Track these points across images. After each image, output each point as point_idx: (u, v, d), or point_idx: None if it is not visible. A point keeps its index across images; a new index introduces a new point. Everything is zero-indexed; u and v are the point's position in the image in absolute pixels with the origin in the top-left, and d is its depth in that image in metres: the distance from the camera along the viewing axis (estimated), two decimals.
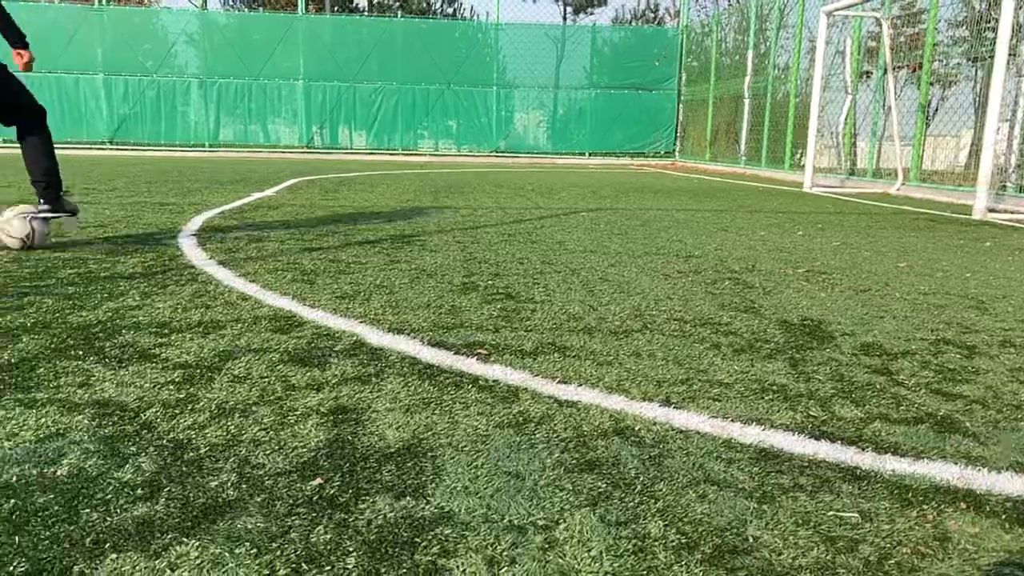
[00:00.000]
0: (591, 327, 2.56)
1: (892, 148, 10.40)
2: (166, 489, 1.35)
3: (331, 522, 1.26)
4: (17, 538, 1.18)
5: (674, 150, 19.85)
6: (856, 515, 1.33)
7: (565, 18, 33.57)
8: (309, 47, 18.40)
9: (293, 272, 3.38)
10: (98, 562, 1.13)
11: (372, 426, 1.66)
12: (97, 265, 3.44)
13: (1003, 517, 1.34)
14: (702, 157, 17.84)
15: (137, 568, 1.11)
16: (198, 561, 1.13)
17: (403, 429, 1.65)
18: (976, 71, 11.20)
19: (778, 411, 1.82)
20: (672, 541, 1.23)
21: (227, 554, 1.15)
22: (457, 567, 1.14)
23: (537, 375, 2.04)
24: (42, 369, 1.98)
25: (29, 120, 3.94)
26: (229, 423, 1.66)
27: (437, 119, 19.28)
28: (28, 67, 3.97)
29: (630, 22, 32.16)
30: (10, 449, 1.50)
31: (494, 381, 1.98)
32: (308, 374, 1.99)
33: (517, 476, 1.44)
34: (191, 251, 3.89)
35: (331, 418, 1.70)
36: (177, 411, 1.72)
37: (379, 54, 18.62)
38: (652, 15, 32.40)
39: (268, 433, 1.61)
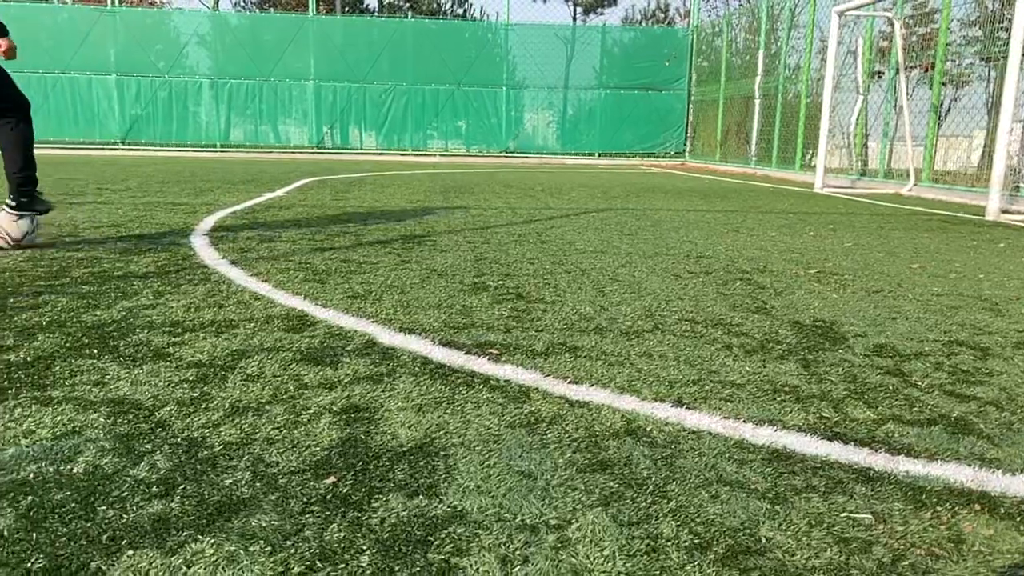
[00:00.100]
0: (602, 327, 2.56)
1: (904, 148, 10.35)
2: (181, 487, 1.36)
3: (344, 520, 1.26)
4: (35, 534, 1.19)
5: (684, 150, 19.81)
6: (869, 516, 1.33)
7: (575, 18, 33.56)
8: (320, 48, 18.46)
9: (305, 272, 3.39)
10: (115, 559, 1.14)
11: (384, 425, 1.67)
12: (111, 264, 3.46)
13: (1018, 519, 1.33)
14: (712, 157, 17.80)
15: (153, 565, 1.12)
16: (213, 558, 1.14)
17: (415, 428, 1.66)
18: (989, 71, 11.13)
19: (790, 412, 1.82)
20: (685, 541, 1.23)
21: (242, 551, 1.16)
22: (470, 566, 1.14)
23: (548, 375, 2.04)
24: (58, 367, 1.99)
25: (12, 111, 3.85)
26: (243, 422, 1.67)
27: (447, 119, 19.30)
28: (7, 54, 3.85)
29: (640, 22, 32.12)
30: (27, 446, 1.51)
31: (505, 381, 1.98)
32: (320, 373, 2.00)
33: (529, 476, 1.45)
34: (204, 251, 3.91)
35: (344, 417, 1.71)
36: (191, 409, 1.73)
37: (389, 55, 18.67)
38: (662, 15, 32.35)
39: (281, 432, 1.62)
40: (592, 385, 1.97)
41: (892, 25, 10.34)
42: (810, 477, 1.47)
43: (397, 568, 1.13)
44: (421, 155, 18.96)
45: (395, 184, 9.28)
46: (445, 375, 2.02)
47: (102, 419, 1.66)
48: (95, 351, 2.15)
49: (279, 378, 1.96)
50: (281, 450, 1.53)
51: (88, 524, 1.23)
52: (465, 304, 2.85)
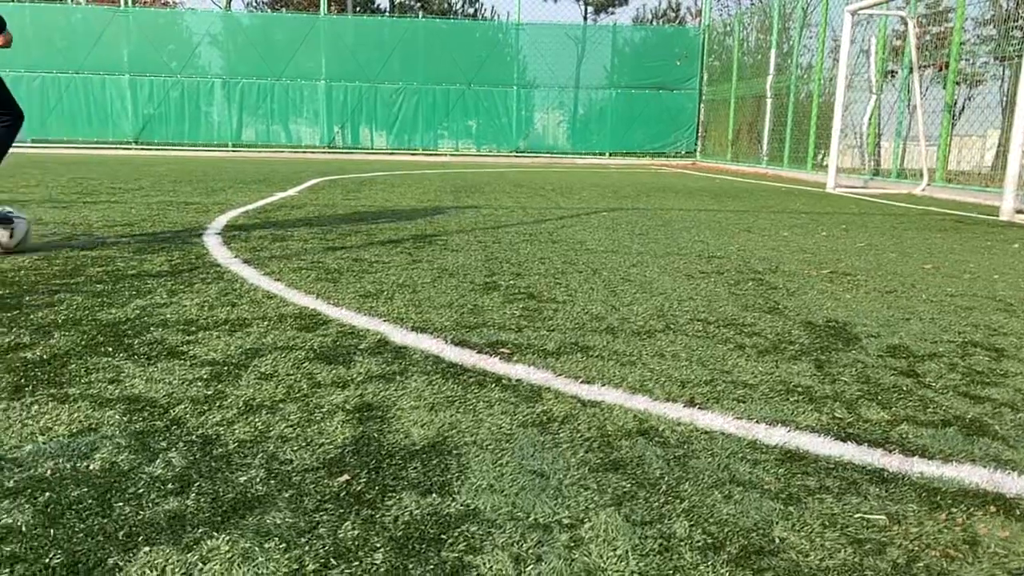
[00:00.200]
0: (614, 327, 2.56)
1: (917, 148, 10.29)
2: (196, 484, 1.37)
3: (358, 518, 1.27)
4: (53, 530, 1.21)
5: (695, 150, 19.76)
6: (884, 517, 1.32)
7: (586, 18, 33.53)
8: (331, 47, 18.53)
9: (317, 271, 3.41)
10: (131, 555, 1.15)
11: (397, 424, 1.68)
12: (125, 263, 3.49)
13: None
14: (723, 157, 17.75)
15: (170, 561, 1.13)
16: (229, 555, 1.15)
17: (428, 427, 1.66)
18: (1003, 70, 11.04)
19: (804, 412, 1.81)
20: (698, 541, 1.23)
21: (257, 548, 1.17)
22: (483, 564, 1.15)
23: (560, 375, 2.04)
24: (73, 365, 2.01)
25: (9, 115, 3.76)
26: (257, 419, 1.68)
27: (457, 119, 19.33)
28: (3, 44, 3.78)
29: (651, 22, 32.06)
30: (44, 443, 1.53)
31: (517, 380, 1.99)
32: (333, 372, 2.01)
33: (542, 475, 1.45)
34: (216, 250, 3.93)
35: (357, 415, 1.72)
36: (206, 407, 1.74)
37: (400, 54, 18.71)
38: (673, 14, 32.28)
39: (295, 430, 1.63)
40: (604, 385, 1.97)
41: (905, 24, 10.28)
42: (823, 478, 1.47)
43: (411, 566, 1.14)
44: (432, 155, 18.99)
45: (406, 184, 9.30)
46: (457, 374, 2.02)
47: (118, 416, 1.68)
48: (110, 349, 2.16)
49: (292, 376, 1.97)
50: (295, 448, 1.54)
51: (105, 520, 1.24)
52: (476, 303, 2.85)
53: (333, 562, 1.14)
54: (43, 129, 17.98)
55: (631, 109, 19.57)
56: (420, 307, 2.77)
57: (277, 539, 1.20)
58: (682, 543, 1.22)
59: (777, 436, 1.66)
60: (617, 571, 1.14)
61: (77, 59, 17.96)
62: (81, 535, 1.19)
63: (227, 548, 1.17)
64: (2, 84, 3.83)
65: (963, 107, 11.46)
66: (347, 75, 18.65)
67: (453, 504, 1.33)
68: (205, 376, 1.95)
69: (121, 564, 1.12)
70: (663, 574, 1.14)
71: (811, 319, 2.74)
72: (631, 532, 1.25)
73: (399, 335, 2.38)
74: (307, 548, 1.18)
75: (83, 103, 18.10)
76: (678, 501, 1.36)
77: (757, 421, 1.74)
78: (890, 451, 1.60)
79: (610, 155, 19.72)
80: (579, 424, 1.70)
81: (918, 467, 1.52)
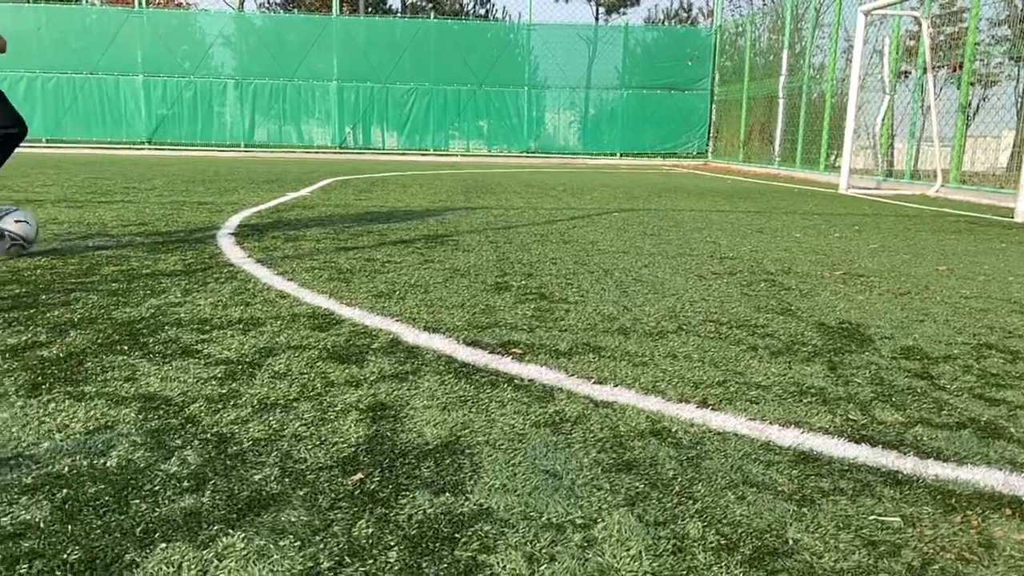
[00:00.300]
0: (626, 328, 2.56)
1: (930, 149, 10.22)
2: (211, 482, 1.38)
3: (372, 517, 1.27)
4: (70, 527, 1.22)
5: (707, 151, 19.70)
6: (898, 519, 1.32)
7: (597, 18, 33.50)
8: (343, 48, 18.58)
9: (329, 271, 3.42)
10: (148, 551, 1.16)
11: (410, 423, 1.68)
12: (139, 263, 3.51)
13: None
14: (735, 158, 17.69)
15: (186, 558, 1.14)
16: (244, 552, 1.16)
17: (441, 426, 1.67)
18: (1019, 70, 10.96)
19: (817, 414, 1.80)
20: (711, 542, 1.23)
21: (272, 546, 1.18)
22: (497, 563, 1.15)
23: (572, 375, 2.04)
24: (89, 363, 2.03)
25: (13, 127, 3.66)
26: (271, 418, 1.69)
27: (468, 119, 19.34)
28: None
29: (663, 22, 31.99)
30: (61, 440, 1.54)
31: (529, 380, 1.99)
32: (347, 371, 2.02)
33: (555, 475, 1.45)
34: (229, 249, 3.96)
35: (370, 415, 1.72)
36: (220, 406, 1.75)
37: (412, 55, 18.74)
38: (685, 15, 32.20)
39: (309, 428, 1.64)
40: (616, 385, 1.97)
41: (919, 24, 10.22)
42: (837, 479, 1.46)
43: (425, 564, 1.14)
44: (442, 155, 19.01)
45: (417, 184, 9.32)
46: (469, 374, 2.03)
47: (133, 414, 1.69)
48: (125, 347, 2.18)
49: (306, 376, 1.98)
50: (309, 447, 1.54)
51: (121, 517, 1.25)
52: (488, 303, 2.86)
53: (348, 560, 1.15)
54: (58, 129, 18.13)
55: (642, 109, 19.52)
56: (432, 307, 2.78)
57: (292, 537, 1.21)
58: (696, 544, 1.22)
59: (790, 437, 1.65)
60: (631, 571, 1.14)
61: (91, 60, 18.09)
62: (98, 531, 1.21)
63: (242, 545, 1.18)
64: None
65: (977, 108, 11.38)
66: (359, 75, 18.70)
67: (466, 503, 1.33)
68: (219, 375, 1.97)
69: (138, 560, 1.13)
70: (677, 574, 1.14)
71: (824, 320, 2.73)
72: (644, 532, 1.25)
73: (411, 335, 2.39)
74: (322, 546, 1.18)
75: (97, 103, 18.23)
76: (691, 502, 1.36)
77: (770, 422, 1.74)
78: (904, 453, 1.59)
79: (621, 156, 19.69)
80: (592, 424, 1.70)
81: (933, 469, 1.52)
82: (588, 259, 3.95)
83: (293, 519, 1.26)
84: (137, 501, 1.30)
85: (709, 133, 19.68)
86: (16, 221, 3.62)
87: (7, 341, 2.21)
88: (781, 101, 15.11)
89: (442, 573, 1.12)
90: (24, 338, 2.24)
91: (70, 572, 1.10)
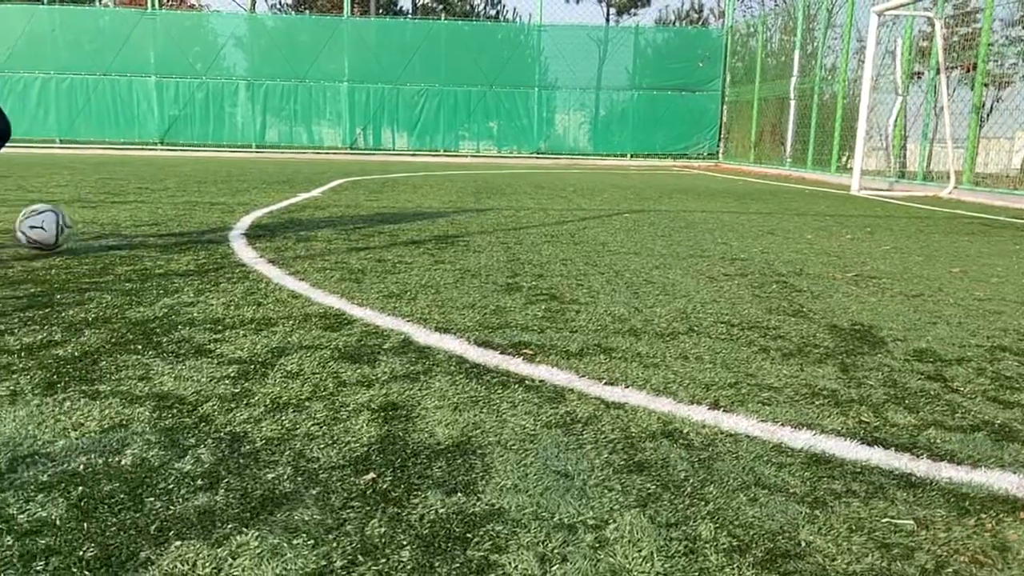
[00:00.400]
0: (637, 329, 2.56)
1: (943, 150, 10.16)
2: (225, 480, 1.39)
3: (385, 516, 1.28)
4: (86, 524, 1.23)
5: (717, 152, 19.65)
6: (911, 522, 1.31)
7: (608, 19, 33.47)
8: (354, 49, 18.63)
9: (341, 271, 3.43)
10: (163, 549, 1.16)
11: (422, 423, 1.69)
12: (152, 263, 3.53)
13: None
14: (746, 159, 17.63)
15: (200, 556, 1.15)
16: (258, 550, 1.17)
17: (452, 427, 1.67)
18: None
19: (829, 416, 1.80)
20: (723, 544, 1.23)
21: (285, 544, 1.19)
22: (509, 563, 1.15)
23: (583, 376, 2.04)
24: (104, 362, 2.04)
25: None
26: (283, 417, 1.70)
27: (479, 120, 19.36)
28: None
29: (674, 23, 31.93)
30: (76, 438, 1.55)
31: (540, 381, 1.99)
32: (358, 371, 2.03)
33: (566, 475, 1.45)
34: (242, 250, 3.98)
35: (382, 414, 1.73)
36: (233, 405, 1.76)
37: (422, 56, 18.78)
38: (696, 16, 32.13)
39: (321, 428, 1.64)
40: (627, 386, 1.97)
41: (932, 25, 10.16)
42: (850, 482, 1.46)
43: (437, 564, 1.15)
44: (453, 156, 19.04)
45: (427, 185, 9.33)
46: (480, 375, 2.03)
47: (147, 413, 1.70)
48: (139, 347, 2.20)
49: (318, 375, 1.99)
50: (321, 446, 1.55)
51: (136, 515, 1.26)
52: (499, 304, 2.86)
53: (360, 559, 1.15)
54: (71, 130, 18.26)
55: (653, 111, 19.49)
56: (443, 307, 2.78)
57: (305, 536, 1.21)
58: (707, 545, 1.22)
59: (802, 439, 1.65)
60: (643, 572, 1.14)
61: (105, 61, 18.21)
62: (114, 529, 1.22)
63: (256, 544, 1.18)
64: None
65: (991, 109, 11.30)
66: (369, 77, 18.74)
67: (478, 503, 1.33)
68: (232, 374, 1.98)
69: (153, 558, 1.14)
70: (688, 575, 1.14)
71: (836, 322, 2.72)
72: (656, 533, 1.25)
73: (423, 335, 2.40)
74: (335, 545, 1.19)
75: (110, 104, 18.36)
76: (703, 503, 1.36)
77: (782, 424, 1.74)
78: (918, 456, 1.59)
79: (631, 157, 19.66)
80: (603, 425, 1.70)
81: (946, 472, 1.51)
82: (599, 260, 3.95)
83: (306, 518, 1.27)
84: (152, 499, 1.31)
85: (720, 134, 19.63)
86: (32, 227, 3.66)
87: (23, 340, 2.23)
88: (793, 102, 15.05)
89: (454, 572, 1.13)
90: (40, 337, 2.26)
91: (86, 569, 1.11)
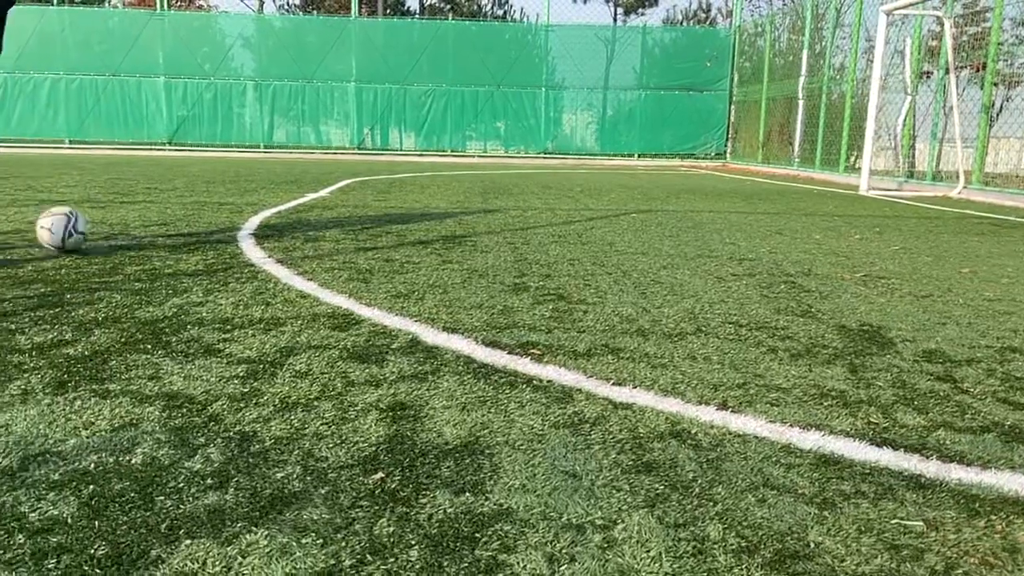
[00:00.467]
0: (644, 329, 2.56)
1: (953, 150, 10.11)
2: (235, 479, 1.39)
3: (393, 515, 1.28)
4: (97, 522, 1.24)
5: (725, 152, 19.61)
6: (921, 523, 1.31)
7: (615, 19, 33.44)
8: (361, 50, 18.68)
9: (349, 271, 3.44)
10: (173, 547, 1.17)
11: (430, 423, 1.69)
12: (161, 263, 3.55)
13: None
14: (754, 159, 17.59)
15: (210, 554, 1.15)
16: (267, 549, 1.17)
17: (460, 427, 1.68)
18: None
19: (838, 417, 1.79)
20: (732, 544, 1.22)
21: (294, 544, 1.19)
22: (517, 563, 1.16)
23: (591, 376, 2.05)
24: (114, 362, 2.06)
25: None
26: (292, 417, 1.70)
27: (486, 120, 19.37)
28: None
29: (681, 22, 31.87)
30: (87, 437, 1.56)
31: (548, 381, 1.99)
32: (367, 371, 2.03)
33: (574, 475, 1.45)
34: (250, 250, 3.99)
35: (390, 414, 1.73)
36: (242, 404, 1.77)
37: (430, 56, 18.81)
38: (704, 15, 32.07)
39: (330, 427, 1.65)
40: (635, 387, 1.97)
41: (942, 24, 10.11)
42: (859, 483, 1.45)
43: (446, 563, 1.15)
44: (460, 156, 19.06)
45: (435, 185, 9.34)
46: (488, 375, 2.03)
47: (157, 412, 1.71)
48: (149, 346, 2.21)
49: (326, 375, 1.99)
50: (330, 445, 1.56)
51: (147, 513, 1.27)
52: (507, 304, 2.86)
53: (369, 558, 1.16)
54: (81, 130, 18.36)
55: (660, 110, 19.46)
56: (451, 307, 2.79)
57: (314, 535, 1.22)
58: (716, 546, 1.22)
59: (811, 440, 1.65)
60: (651, 572, 1.14)
61: (114, 62, 18.31)
62: (124, 527, 1.22)
63: (265, 543, 1.19)
64: None
65: (1001, 108, 11.24)
66: (377, 77, 18.78)
67: (486, 503, 1.34)
68: (241, 374, 1.99)
69: (163, 556, 1.15)
70: None
71: (845, 323, 2.72)
72: (664, 534, 1.25)
73: (430, 335, 2.40)
74: (343, 544, 1.19)
75: (119, 105, 18.45)
76: (711, 504, 1.36)
77: (791, 425, 1.73)
78: (927, 457, 1.58)
79: (639, 156, 19.64)
80: (611, 426, 1.70)
81: (956, 473, 1.51)
82: (606, 260, 3.95)
83: (315, 517, 1.27)
84: (162, 498, 1.32)
85: (728, 134, 19.59)
86: (41, 227, 3.70)
87: (34, 339, 2.24)
88: (801, 102, 15.01)
89: (463, 572, 1.13)
90: (50, 336, 2.28)
91: (97, 567, 1.12)
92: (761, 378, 2.07)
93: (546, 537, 1.23)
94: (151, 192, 7.31)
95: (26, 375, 1.93)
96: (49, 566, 1.11)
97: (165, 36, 18.38)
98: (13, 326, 2.38)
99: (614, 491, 1.39)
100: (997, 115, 10.80)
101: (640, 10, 33.58)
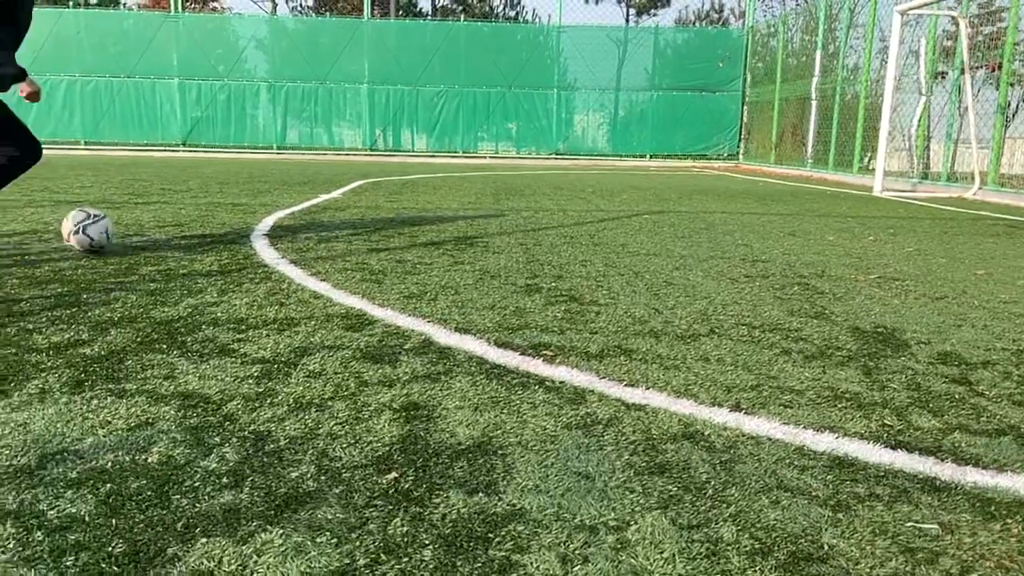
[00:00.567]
0: (657, 331, 2.55)
1: (968, 151, 10.04)
2: (250, 479, 1.41)
3: (407, 515, 1.29)
4: (114, 520, 1.25)
5: (737, 152, 19.52)
6: (936, 526, 1.30)
7: (627, 20, 33.38)
8: (374, 51, 18.72)
9: (362, 272, 3.46)
10: (190, 546, 1.18)
11: (443, 423, 1.70)
12: (176, 263, 3.58)
13: None
14: (767, 160, 17.51)
15: (226, 553, 1.16)
16: (282, 548, 1.18)
17: (473, 427, 1.68)
18: None
19: (852, 419, 1.79)
20: (745, 546, 1.22)
21: (309, 542, 1.20)
22: (531, 563, 1.16)
23: (603, 377, 2.05)
24: (130, 361, 2.07)
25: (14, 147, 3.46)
26: (307, 417, 1.71)
27: (498, 121, 19.37)
28: (32, 98, 3.53)
29: (694, 23, 31.77)
30: (104, 436, 1.58)
31: (560, 382, 1.99)
32: (380, 371, 2.04)
33: (587, 477, 1.46)
34: (264, 250, 4.01)
35: (403, 414, 1.74)
36: (257, 404, 1.78)
37: (442, 57, 18.83)
38: (716, 16, 31.96)
39: (344, 427, 1.66)
40: (648, 388, 1.97)
41: (957, 24, 10.04)
42: (873, 485, 1.45)
43: (459, 563, 1.15)
44: (472, 157, 19.07)
45: (447, 186, 9.36)
46: (501, 375, 2.04)
47: (173, 411, 1.73)
48: (164, 346, 2.22)
49: (340, 375, 2.00)
50: (344, 445, 1.57)
51: (163, 512, 1.28)
52: (519, 305, 2.87)
53: (383, 557, 1.16)
54: (96, 132, 18.50)
55: (673, 111, 19.40)
56: (463, 308, 2.79)
57: (329, 534, 1.23)
58: (729, 547, 1.22)
59: (825, 442, 1.64)
60: (664, 574, 1.14)
61: (129, 64, 18.43)
62: (141, 525, 1.24)
63: (280, 541, 1.20)
64: (9, 113, 3.44)
65: (1016, 109, 11.14)
66: (389, 78, 18.82)
67: (500, 503, 1.34)
68: (256, 374, 2.00)
69: (180, 554, 1.16)
70: None
71: (859, 325, 2.70)
72: (678, 535, 1.25)
73: (443, 336, 2.41)
74: (358, 543, 1.20)
75: (134, 106, 18.57)
76: (725, 506, 1.35)
77: (804, 427, 1.73)
78: (942, 459, 1.57)
79: (651, 157, 19.58)
80: (623, 427, 1.70)
81: (971, 476, 1.50)
82: (618, 261, 3.94)
83: (329, 516, 1.28)
84: (178, 496, 1.33)
85: (740, 135, 19.50)
86: (63, 218, 3.83)
87: (51, 339, 2.27)
88: (814, 102, 14.93)
89: (476, 572, 1.13)
90: (67, 336, 2.30)
91: (115, 565, 1.13)
92: (775, 380, 2.06)
93: (559, 538, 1.23)
94: (165, 193, 7.36)
95: (44, 374, 1.95)
96: (67, 563, 1.13)
97: (179, 38, 18.49)
98: (31, 326, 2.41)
99: (627, 492, 1.39)
100: (1013, 116, 10.71)
101: (652, 11, 33.50)
